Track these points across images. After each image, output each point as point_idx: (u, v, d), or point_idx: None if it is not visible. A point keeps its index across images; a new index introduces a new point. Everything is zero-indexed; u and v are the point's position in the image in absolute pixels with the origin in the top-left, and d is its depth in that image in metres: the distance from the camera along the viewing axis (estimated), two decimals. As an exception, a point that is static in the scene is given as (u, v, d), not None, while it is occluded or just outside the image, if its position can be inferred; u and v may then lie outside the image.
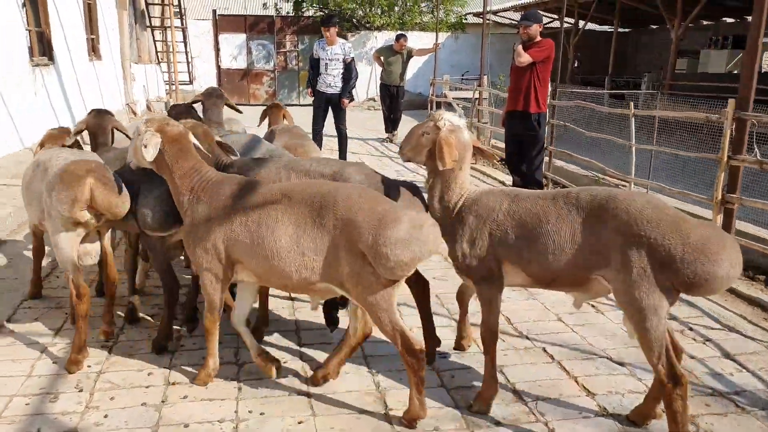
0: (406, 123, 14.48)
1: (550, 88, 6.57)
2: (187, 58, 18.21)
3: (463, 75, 19.36)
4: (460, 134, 2.89)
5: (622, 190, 3.43)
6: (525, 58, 6.05)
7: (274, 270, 2.73)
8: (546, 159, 7.18)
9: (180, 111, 4.31)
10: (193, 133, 3.16)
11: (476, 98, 12.03)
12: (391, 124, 11.94)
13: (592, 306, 4.28)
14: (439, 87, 12.58)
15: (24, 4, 8.10)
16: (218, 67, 20.19)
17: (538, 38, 6.20)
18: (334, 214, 2.62)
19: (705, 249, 2.36)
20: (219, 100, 4.90)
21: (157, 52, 17.68)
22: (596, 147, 9.05)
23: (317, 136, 8.53)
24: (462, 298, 3.39)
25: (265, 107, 5.42)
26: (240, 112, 5.48)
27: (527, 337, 3.80)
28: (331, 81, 8.38)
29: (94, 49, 11.33)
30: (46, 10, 8.68)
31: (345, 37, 20.30)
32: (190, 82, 18.81)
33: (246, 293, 3.17)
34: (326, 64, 8.30)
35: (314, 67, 8.42)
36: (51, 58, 8.78)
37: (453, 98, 11.86)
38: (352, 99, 8.68)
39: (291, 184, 2.99)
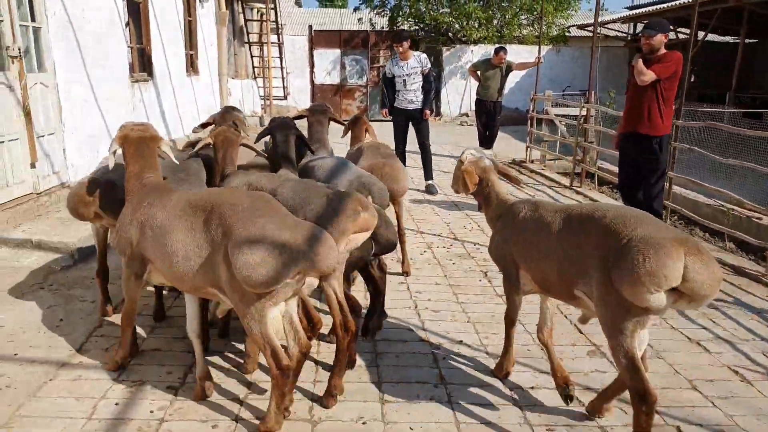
0: (502, 140, 13.85)
1: (674, 107, 5.73)
2: (282, 74, 18.50)
3: (564, 90, 18.39)
4: (480, 162, 3.43)
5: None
6: (648, 77, 5.29)
7: (172, 272, 2.88)
8: (665, 186, 6.32)
9: (277, 124, 4.03)
10: (214, 138, 3.66)
11: (582, 116, 11.27)
12: (487, 141, 11.36)
13: (735, 372, 3.52)
14: (540, 103, 11.80)
15: (128, 23, 8.30)
16: (312, 82, 20.42)
17: (662, 50, 5.43)
18: (219, 222, 2.70)
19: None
20: (323, 117, 4.68)
21: (253, 67, 18.08)
22: (719, 172, 8.04)
23: (401, 156, 8.14)
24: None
25: (347, 121, 5.17)
26: (343, 124, 5.27)
27: (656, 411, 3.11)
28: (412, 96, 8.01)
29: (192, 65, 11.59)
30: (148, 28, 8.88)
31: (440, 52, 19.98)
32: (285, 98, 19.10)
33: (191, 302, 3.14)
34: (404, 80, 7.94)
35: (389, 86, 8.11)
36: (150, 73, 8.96)
37: (555, 115, 11.08)
38: (432, 110, 8.25)
39: (207, 191, 3.28)
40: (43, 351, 3.50)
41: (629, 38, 20.90)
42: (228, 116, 4.50)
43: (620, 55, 20.46)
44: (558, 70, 20.33)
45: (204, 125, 4.56)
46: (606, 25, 21.31)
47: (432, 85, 8.01)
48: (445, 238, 6.11)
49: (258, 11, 19.38)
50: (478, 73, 10.87)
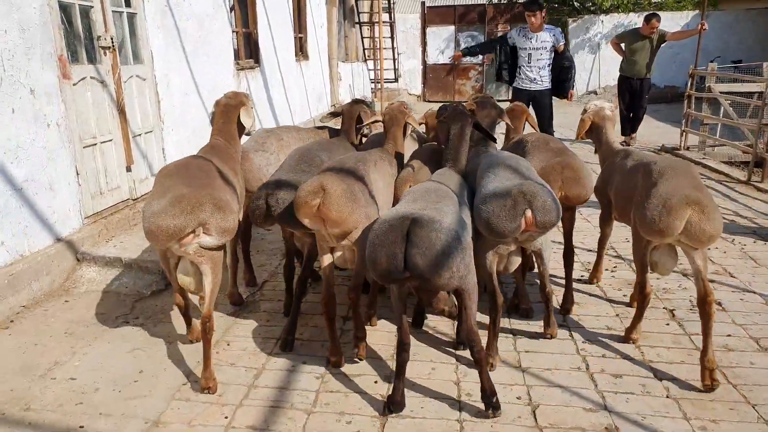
0: (650, 124, 11.93)
1: None
2: (393, 55, 17.53)
3: (712, 61, 15.89)
4: (601, 111, 4.01)
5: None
6: None
7: None
8: None
9: (450, 113, 3.51)
10: (383, 116, 3.78)
11: (760, 93, 9.31)
12: (630, 124, 9.77)
13: None
14: (701, 78, 9.90)
15: (233, 7, 7.65)
16: (424, 62, 19.30)
17: None
18: None
19: None
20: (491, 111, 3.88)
21: (364, 49, 17.26)
22: None
23: None
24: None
25: (500, 110, 3.91)
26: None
27: None
28: (536, 75, 6.81)
29: (301, 49, 10.90)
30: (254, 10, 8.20)
31: (565, 24, 18.04)
32: (396, 80, 18.15)
33: None
34: (530, 54, 6.76)
35: (507, 57, 6.97)
36: (257, 60, 8.31)
37: (720, 92, 9.21)
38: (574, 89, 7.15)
39: None
40: (113, 424, 2.76)
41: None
42: (355, 108, 4.20)
43: (782, 19, 17.39)
44: (706, 39, 17.64)
45: (334, 114, 4.44)
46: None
47: (572, 62, 6.89)
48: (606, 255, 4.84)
49: (369, -11, 18.50)
50: (623, 45, 9.35)
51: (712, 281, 4.12)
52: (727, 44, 17.09)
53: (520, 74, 6.92)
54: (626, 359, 3.20)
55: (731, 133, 10.06)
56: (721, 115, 9.71)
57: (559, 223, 3.11)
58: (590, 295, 4.04)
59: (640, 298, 3.25)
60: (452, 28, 18.99)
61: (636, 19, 17.78)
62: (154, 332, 3.61)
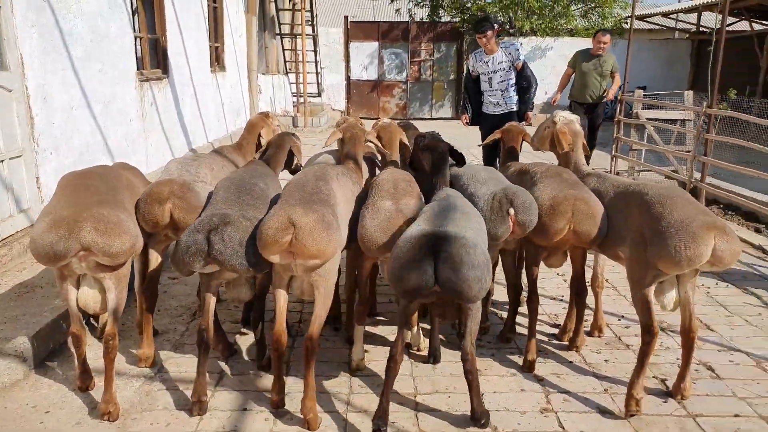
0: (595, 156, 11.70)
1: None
2: (316, 69, 16.80)
3: (640, 88, 16.34)
4: (573, 125, 3.72)
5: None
6: None
7: None
8: None
9: (429, 141, 3.53)
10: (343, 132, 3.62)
11: (682, 120, 9.36)
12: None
13: None
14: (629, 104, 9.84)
15: (136, 9, 6.65)
16: (347, 77, 18.69)
17: None
18: None
19: None
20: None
21: (285, 62, 16.42)
22: None
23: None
24: None
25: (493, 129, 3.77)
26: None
27: None
28: (500, 99, 6.19)
29: (218, 59, 9.94)
30: (163, 15, 7.22)
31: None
32: (319, 95, 17.41)
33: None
34: (490, 78, 6.13)
35: (471, 88, 6.35)
36: (166, 70, 7.31)
37: (647, 119, 9.16)
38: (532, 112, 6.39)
39: None
40: None
41: (696, 30, 18.65)
42: (286, 140, 3.82)
43: (683, 49, 18.32)
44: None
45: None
46: (669, 16, 19.24)
47: (532, 80, 6.12)
48: (615, 299, 4.26)
49: (290, 0, 17.71)
50: (574, 68, 8.29)
51: (692, 337, 3.69)
52: (632, 71, 17.68)
53: (484, 100, 6.32)
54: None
55: (657, 158, 10.11)
56: (645, 140, 9.67)
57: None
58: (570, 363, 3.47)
59: (647, 341, 2.86)
60: (376, 44, 18.53)
61: (552, 44, 18.12)
62: None
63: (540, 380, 3.16)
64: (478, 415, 2.70)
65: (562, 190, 3.16)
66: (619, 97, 9.23)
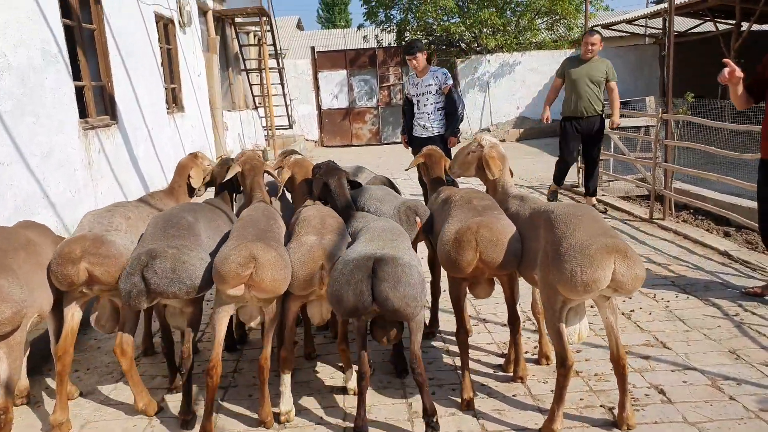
0: (543, 159, 11.55)
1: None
2: (285, 101, 16.77)
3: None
4: (499, 149, 3.55)
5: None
6: None
7: None
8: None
9: (326, 170, 3.76)
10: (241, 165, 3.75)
11: (646, 126, 9.30)
12: (586, 180, 7.59)
13: None
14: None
15: (76, 57, 6.55)
16: (318, 107, 18.70)
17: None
18: None
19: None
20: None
21: (254, 96, 16.38)
22: None
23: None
24: None
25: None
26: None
27: None
28: (426, 121, 6.15)
29: (175, 100, 9.83)
30: (107, 62, 7.12)
31: (453, 64, 18.12)
32: (290, 126, 17.37)
33: None
34: (418, 100, 6.16)
35: (408, 109, 6.37)
36: (114, 116, 7.19)
37: (609, 128, 9.10)
38: (457, 138, 6.15)
39: None
40: None
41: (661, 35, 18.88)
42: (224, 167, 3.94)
43: (651, 53, 18.50)
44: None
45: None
46: (633, 23, 19.48)
47: (457, 105, 6.00)
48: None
49: (254, 35, 17.76)
50: (563, 79, 7.20)
51: (646, 357, 3.53)
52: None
53: (414, 122, 6.33)
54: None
55: (624, 167, 10.06)
56: (612, 149, 9.61)
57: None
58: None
59: (562, 373, 2.68)
60: (344, 72, 18.59)
61: (520, 58, 18.24)
62: None
63: (479, 418, 2.99)
64: (430, 412, 2.83)
65: (467, 220, 3.02)
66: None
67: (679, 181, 8.29)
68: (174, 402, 3.24)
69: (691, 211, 7.51)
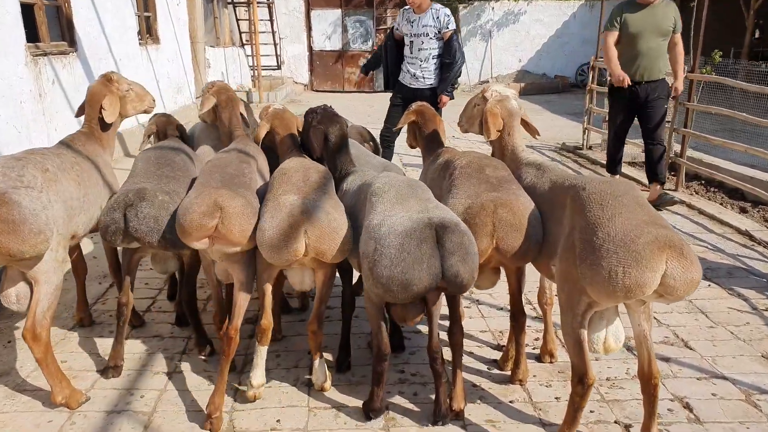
0: (544, 116, 10.86)
1: None
2: (274, 39, 15.76)
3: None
4: (507, 103, 2.88)
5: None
6: None
7: None
8: None
9: (323, 116, 3.03)
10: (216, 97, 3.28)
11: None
12: (649, 166, 5.76)
13: None
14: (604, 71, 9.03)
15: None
16: (310, 48, 17.66)
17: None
18: None
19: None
20: None
21: (240, 33, 15.35)
22: None
23: (387, 147, 5.57)
24: None
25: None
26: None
27: None
28: (417, 69, 5.34)
29: (149, 30, 8.95)
30: (66, -25, 6.26)
31: (455, 10, 17.04)
32: (279, 67, 16.41)
33: None
34: (411, 41, 5.30)
35: (390, 47, 5.52)
36: (72, 42, 6.38)
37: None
38: (451, 95, 5.42)
39: None
40: None
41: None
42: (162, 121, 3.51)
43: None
44: (592, 29, 17.44)
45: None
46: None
47: (456, 56, 5.21)
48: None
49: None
50: (617, 33, 5.40)
51: (667, 359, 3.00)
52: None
53: (403, 66, 5.49)
54: None
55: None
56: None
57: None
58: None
59: (579, 392, 2.16)
60: (339, 11, 17.47)
61: (525, 7, 17.21)
62: None
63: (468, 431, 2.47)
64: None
65: (479, 195, 2.40)
66: (591, 63, 8.38)
67: (690, 149, 7.71)
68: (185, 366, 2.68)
69: (703, 182, 6.94)
